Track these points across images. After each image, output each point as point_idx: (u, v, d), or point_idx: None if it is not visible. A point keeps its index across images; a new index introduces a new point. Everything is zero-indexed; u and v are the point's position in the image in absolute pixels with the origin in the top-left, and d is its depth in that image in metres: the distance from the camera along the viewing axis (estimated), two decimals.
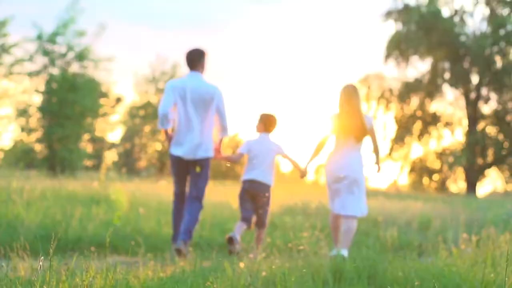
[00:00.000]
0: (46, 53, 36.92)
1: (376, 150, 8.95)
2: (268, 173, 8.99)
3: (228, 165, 9.72)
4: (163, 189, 21.14)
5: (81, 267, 5.22)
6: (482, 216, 15.51)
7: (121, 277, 4.88)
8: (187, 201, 8.90)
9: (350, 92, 8.84)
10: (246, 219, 8.82)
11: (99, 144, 58.91)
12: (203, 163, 8.85)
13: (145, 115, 56.98)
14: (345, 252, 8.25)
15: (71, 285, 4.70)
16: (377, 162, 8.98)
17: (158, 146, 57.75)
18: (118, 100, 60.13)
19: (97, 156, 58.92)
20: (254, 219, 8.97)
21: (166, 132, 8.86)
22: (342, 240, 8.62)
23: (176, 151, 8.84)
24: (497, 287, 6.12)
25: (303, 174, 9.06)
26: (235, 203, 15.51)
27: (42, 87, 37.35)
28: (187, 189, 9.07)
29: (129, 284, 4.97)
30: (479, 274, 6.48)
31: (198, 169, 8.82)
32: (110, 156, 62.89)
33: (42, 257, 4.34)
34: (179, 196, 9.09)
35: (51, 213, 11.45)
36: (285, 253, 7.96)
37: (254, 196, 8.91)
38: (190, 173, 8.94)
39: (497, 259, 7.24)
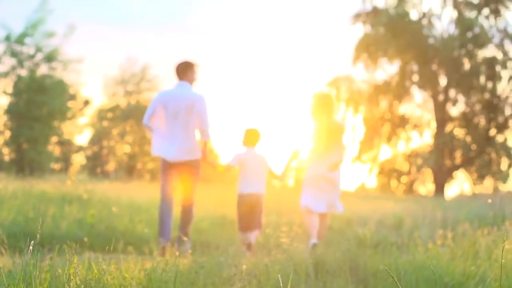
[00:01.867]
0: (14, 54, 36.66)
1: (341, 154, 9.42)
2: (263, 184, 9.80)
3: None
4: (134, 189, 21.05)
5: (60, 261, 5.18)
6: (455, 214, 15.58)
7: (104, 267, 4.82)
8: (181, 205, 9.45)
9: (327, 100, 9.44)
10: (244, 227, 9.67)
11: (67, 147, 58.52)
12: (192, 164, 9.36)
13: (113, 117, 56.75)
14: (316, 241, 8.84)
15: (54, 276, 4.63)
16: (336, 162, 9.37)
17: (127, 149, 57.51)
18: (86, 102, 59.70)
19: (65, 159, 58.53)
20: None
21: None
22: (321, 233, 9.28)
23: (164, 154, 9.34)
24: (480, 279, 6.15)
25: (283, 181, 9.80)
26: (208, 205, 15.57)
27: (10, 89, 37.05)
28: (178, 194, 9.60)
29: (113, 274, 4.92)
30: (459, 267, 6.51)
31: (187, 176, 9.37)
32: (78, 159, 62.45)
33: (32, 242, 4.26)
34: (167, 198, 9.41)
35: (23, 211, 11.38)
36: (264, 248, 7.99)
37: (253, 205, 9.64)
38: (180, 176, 9.42)
39: (476, 253, 7.27)
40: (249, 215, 9.70)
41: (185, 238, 7.80)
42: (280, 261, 6.62)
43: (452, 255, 7.26)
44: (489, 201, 12.86)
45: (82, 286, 4.33)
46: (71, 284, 4.29)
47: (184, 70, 9.48)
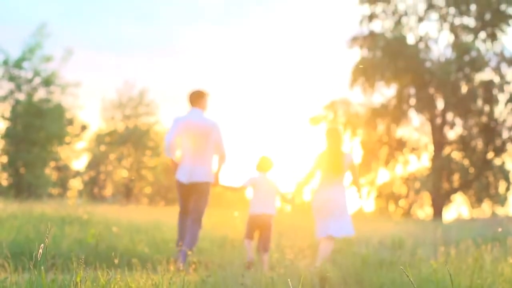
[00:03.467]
0: (12, 78, 36.70)
1: (356, 182, 10.11)
2: (274, 206, 10.55)
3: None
4: (133, 212, 21.00)
5: (64, 277, 5.16)
6: (456, 234, 15.53)
7: (110, 276, 4.79)
8: (188, 222, 9.91)
9: (334, 134, 10.11)
10: (250, 237, 10.41)
11: (64, 172, 58.47)
12: (203, 187, 9.91)
13: (111, 141, 56.73)
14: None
15: (60, 286, 4.60)
16: (358, 191, 10.16)
17: (125, 173, 57.44)
18: (84, 127, 59.72)
19: (62, 184, 58.45)
20: (257, 243, 10.60)
21: (172, 160, 9.96)
22: (322, 256, 9.39)
23: (180, 177, 9.89)
24: None
25: (292, 203, 11.13)
26: (208, 225, 15.52)
27: (8, 113, 37.06)
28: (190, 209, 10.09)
29: (119, 284, 4.88)
30: (465, 280, 6.46)
31: (198, 196, 9.91)
32: (75, 184, 62.34)
33: (42, 245, 4.22)
34: (183, 214, 10.05)
35: (24, 231, 11.34)
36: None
37: (262, 225, 10.42)
38: (192, 196, 9.95)
39: (481, 267, 7.22)
40: (258, 233, 10.46)
41: (189, 252, 7.88)
42: (284, 275, 6.58)
43: (457, 270, 7.22)
44: (500, 230, 12.85)
45: None
46: None
47: (198, 98, 10.11)
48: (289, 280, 3.90)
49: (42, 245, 4.18)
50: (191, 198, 9.97)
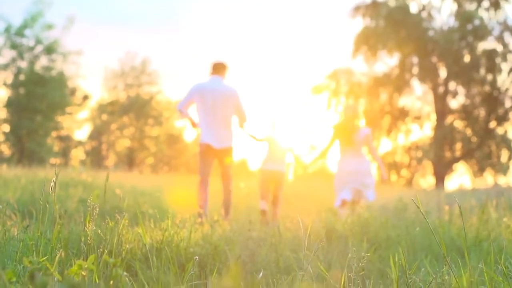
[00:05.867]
0: (14, 46, 36.59)
1: (374, 157, 10.88)
2: (284, 164, 11.16)
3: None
4: (136, 178, 21.06)
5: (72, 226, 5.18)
6: (459, 200, 15.52)
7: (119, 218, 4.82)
8: (222, 182, 10.55)
9: (349, 109, 10.82)
10: (266, 197, 10.94)
11: (66, 142, 58.51)
12: (229, 151, 10.42)
13: (113, 111, 56.68)
14: None
15: (70, 232, 4.61)
16: (382, 170, 11.12)
17: (127, 143, 57.45)
18: (85, 97, 59.65)
19: (64, 154, 58.52)
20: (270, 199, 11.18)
21: (189, 120, 10.32)
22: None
23: (210, 141, 10.30)
24: (493, 241, 6.12)
25: (305, 168, 11.46)
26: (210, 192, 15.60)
27: (10, 81, 37.03)
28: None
29: (127, 229, 4.90)
30: (471, 232, 6.49)
31: (226, 160, 10.43)
32: (77, 154, 62.43)
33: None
34: (205, 178, 10.36)
35: (28, 191, 11.38)
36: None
37: (275, 181, 11.02)
38: (218, 160, 10.46)
39: (486, 221, 7.24)
40: (270, 188, 11.02)
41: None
42: (291, 228, 6.66)
43: (462, 224, 7.24)
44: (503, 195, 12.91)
45: (99, 231, 4.30)
46: (87, 230, 4.27)
47: (221, 68, 10.61)
48: (300, 220, 3.89)
49: (53, 178, 4.17)
50: (218, 161, 10.46)
